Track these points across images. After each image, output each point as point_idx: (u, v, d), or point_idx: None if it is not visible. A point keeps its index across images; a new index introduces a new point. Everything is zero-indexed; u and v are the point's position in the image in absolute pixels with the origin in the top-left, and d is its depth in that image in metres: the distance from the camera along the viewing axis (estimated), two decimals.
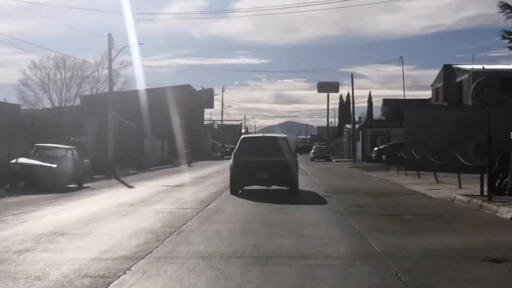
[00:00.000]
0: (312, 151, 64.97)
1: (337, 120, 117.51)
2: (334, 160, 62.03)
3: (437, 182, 23.79)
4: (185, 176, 33.51)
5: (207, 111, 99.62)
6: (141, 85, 69.69)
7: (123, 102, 74.94)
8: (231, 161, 21.06)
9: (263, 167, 19.56)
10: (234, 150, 21.47)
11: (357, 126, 60.64)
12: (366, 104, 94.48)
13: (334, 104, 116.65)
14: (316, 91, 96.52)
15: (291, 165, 20.03)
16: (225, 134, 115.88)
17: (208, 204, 15.92)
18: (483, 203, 14.49)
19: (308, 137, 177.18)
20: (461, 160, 20.96)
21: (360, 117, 70.01)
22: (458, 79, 48.42)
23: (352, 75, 59.10)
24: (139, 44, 40.79)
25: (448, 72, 50.26)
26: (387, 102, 74.48)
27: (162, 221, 12.19)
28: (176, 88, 79.03)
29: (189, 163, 51.54)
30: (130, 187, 24.40)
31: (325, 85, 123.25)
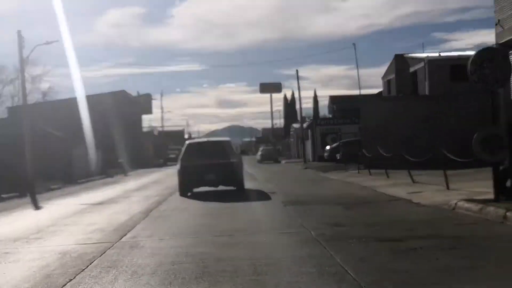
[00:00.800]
0: (260, 152, 60.89)
1: (282, 121, 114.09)
2: (283, 162, 58.04)
3: (414, 182, 19.88)
4: (115, 189, 28.84)
5: (146, 117, 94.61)
6: (78, 93, 64.00)
7: (55, 111, 69.45)
8: (178, 166, 22.10)
9: (210, 169, 20.72)
10: (181, 156, 22.45)
11: (305, 125, 56.84)
12: (310, 105, 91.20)
13: (278, 106, 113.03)
14: (258, 94, 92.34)
15: (236, 166, 21.39)
16: (167, 140, 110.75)
17: (126, 233, 11.39)
18: (507, 213, 10.44)
19: (253, 139, 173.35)
20: (448, 155, 17.10)
21: (304, 117, 66.37)
22: (412, 69, 45.07)
23: (297, 71, 54.86)
24: (53, 41, 35.63)
25: (400, 62, 46.88)
26: (334, 99, 71.15)
27: (31, 281, 7.45)
28: (110, 94, 73.84)
29: (125, 173, 46.67)
30: (38, 208, 19.61)
31: (268, 86, 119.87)
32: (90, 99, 70.97)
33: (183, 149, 22.71)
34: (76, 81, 71.18)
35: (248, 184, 23.61)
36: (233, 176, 21.30)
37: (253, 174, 35.86)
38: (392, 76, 48.17)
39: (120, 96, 74.05)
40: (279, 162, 59.64)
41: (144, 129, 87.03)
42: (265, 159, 59.52)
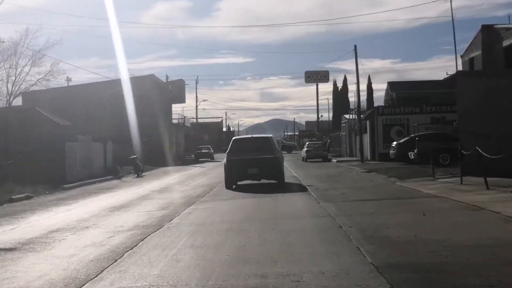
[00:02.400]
0: (305, 149, 50.87)
1: (328, 115, 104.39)
2: (334, 160, 47.93)
3: None
4: (113, 199, 20.26)
5: (178, 107, 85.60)
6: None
7: (68, 98, 60.94)
8: (224, 160, 23.86)
9: (253, 164, 22.45)
10: (227, 151, 23.77)
11: (362, 116, 46.71)
12: (362, 98, 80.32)
13: (323, 99, 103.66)
14: (301, 87, 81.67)
15: (277, 161, 22.98)
16: (202, 133, 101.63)
17: None
18: None
19: (296, 133, 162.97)
20: None
21: (353, 109, 56.09)
22: (506, 43, 34.51)
23: (355, 47, 44.29)
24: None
25: (489, 35, 36.39)
26: (394, 86, 60.59)
27: None
28: (136, 79, 64.82)
29: (139, 172, 37.52)
30: None
31: (314, 75, 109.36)
32: (109, 85, 62.41)
33: (230, 144, 24.35)
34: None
35: (295, 199, 16.28)
36: (275, 170, 22.80)
37: (298, 179, 26.14)
38: (477, 53, 37.67)
39: (148, 82, 64.97)
40: (329, 160, 49.57)
41: (175, 120, 77.83)
42: (311, 156, 49.59)
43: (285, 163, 26.79)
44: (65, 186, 27.62)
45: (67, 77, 72.86)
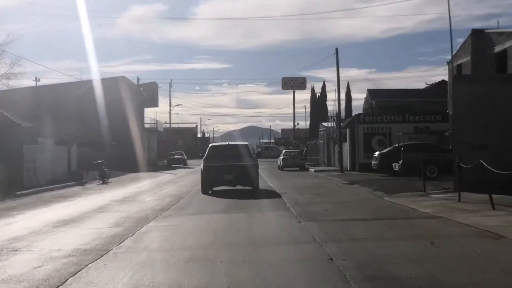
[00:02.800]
0: (282, 157, 48.51)
1: (306, 122, 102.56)
2: (312, 169, 45.67)
3: None
4: (65, 210, 17.80)
5: (150, 110, 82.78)
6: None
7: (34, 99, 57.95)
8: (201, 166, 24.21)
9: (229, 170, 23.23)
10: (204, 157, 24.44)
11: (342, 124, 44.55)
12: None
13: (300, 106, 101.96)
14: (278, 95, 79.54)
15: (252, 168, 23.78)
16: (176, 139, 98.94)
17: None
18: None
19: (272, 141, 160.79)
20: None
21: (332, 117, 53.95)
22: (498, 48, 32.60)
23: (337, 50, 42.21)
24: None
25: (479, 40, 34.49)
26: (374, 94, 58.77)
27: None
28: (107, 81, 62.14)
29: (104, 179, 34.89)
30: None
31: (291, 81, 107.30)
32: (78, 85, 59.66)
33: (206, 151, 25.03)
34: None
35: (272, 216, 14.35)
36: (250, 177, 23.53)
37: (274, 190, 23.89)
38: (465, 59, 35.74)
39: (119, 83, 62.22)
40: (307, 169, 47.33)
41: (148, 125, 75.08)
42: (288, 165, 47.27)
43: (260, 172, 27.30)
44: (18, 193, 24.92)
45: (36, 77, 69.92)
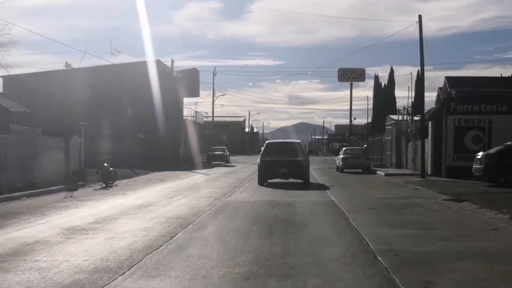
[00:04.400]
0: (341, 155, 38.88)
1: (368, 114, 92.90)
2: (381, 173, 35.97)
3: None
4: None
5: (191, 102, 74.36)
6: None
7: (45, 85, 50.07)
8: (258, 160, 26.54)
9: (283, 164, 25.20)
10: (261, 152, 26.82)
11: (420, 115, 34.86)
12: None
13: (357, 103, 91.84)
14: (331, 92, 69.75)
15: (304, 163, 25.85)
16: (221, 133, 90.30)
17: None
18: None
19: (325, 137, 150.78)
20: None
21: (405, 108, 44.18)
22: None
23: (420, 17, 32.15)
24: None
25: None
26: (454, 82, 48.34)
27: None
28: (136, 65, 53.88)
29: (108, 181, 26.39)
30: None
31: (348, 72, 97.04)
32: (108, 69, 51.73)
33: (263, 147, 27.83)
34: None
35: None
36: (301, 171, 25.58)
37: (340, 210, 14.66)
38: None
39: (150, 68, 53.63)
40: (373, 172, 37.74)
41: (189, 118, 66.52)
42: (350, 166, 37.72)
43: (314, 173, 29.31)
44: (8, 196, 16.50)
45: (66, 62, 62.40)
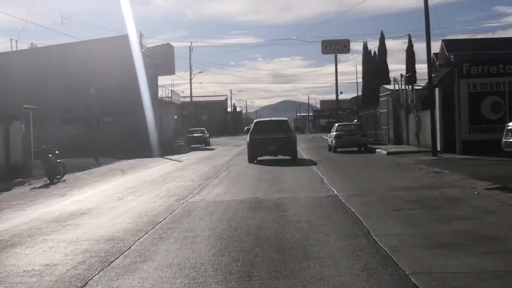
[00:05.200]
0: (334, 133, 33.86)
1: (357, 85, 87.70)
2: (382, 151, 31.06)
3: None
4: None
5: (167, 79, 69.04)
6: None
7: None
8: (247, 138, 27.22)
9: (271, 142, 25.92)
10: (250, 130, 27.64)
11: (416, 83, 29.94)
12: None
13: (343, 78, 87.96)
14: (314, 68, 64.23)
15: (292, 140, 26.71)
16: (201, 113, 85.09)
17: None
18: None
19: (311, 114, 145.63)
20: None
21: (402, 76, 39.18)
22: None
23: None
24: None
25: None
26: (452, 45, 43.49)
27: None
28: (101, 42, 48.70)
29: (54, 176, 21.45)
30: None
31: (332, 44, 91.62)
32: (68, 47, 46.66)
33: (252, 125, 29.14)
34: None
35: None
36: (289, 148, 26.41)
37: (361, 223, 9.47)
38: None
39: (119, 44, 48.27)
40: (372, 150, 32.92)
41: (165, 99, 61.21)
42: (345, 144, 32.81)
43: (304, 155, 29.75)
44: None
45: (32, 43, 57.06)
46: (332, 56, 73.54)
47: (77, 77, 44.08)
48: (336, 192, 14.06)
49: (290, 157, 26.23)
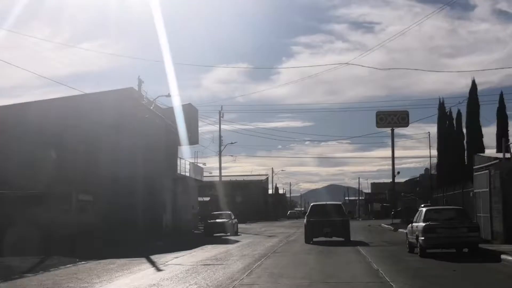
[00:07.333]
0: (421, 223, 20.68)
1: (430, 154, 74.24)
2: (509, 257, 17.72)
3: None
4: None
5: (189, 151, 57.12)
6: None
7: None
8: (304, 220, 30.40)
9: (327, 224, 28.74)
10: (307, 213, 30.83)
11: None
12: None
13: (381, 165, 73.29)
14: (360, 153, 51.93)
15: (345, 223, 29.41)
16: (235, 193, 72.67)
17: None
18: None
19: (361, 198, 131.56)
20: None
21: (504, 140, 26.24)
22: None
23: None
24: None
25: None
26: None
27: None
28: (108, 94, 38.11)
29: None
30: None
31: (388, 117, 78.70)
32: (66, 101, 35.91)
33: (309, 208, 31.63)
34: None
35: None
36: (344, 230, 29.06)
37: None
38: None
39: (122, 100, 36.94)
40: (489, 257, 19.47)
41: (184, 173, 49.16)
42: (440, 243, 19.65)
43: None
44: None
45: None
46: (380, 138, 60.95)
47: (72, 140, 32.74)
48: None
49: (344, 239, 28.53)
